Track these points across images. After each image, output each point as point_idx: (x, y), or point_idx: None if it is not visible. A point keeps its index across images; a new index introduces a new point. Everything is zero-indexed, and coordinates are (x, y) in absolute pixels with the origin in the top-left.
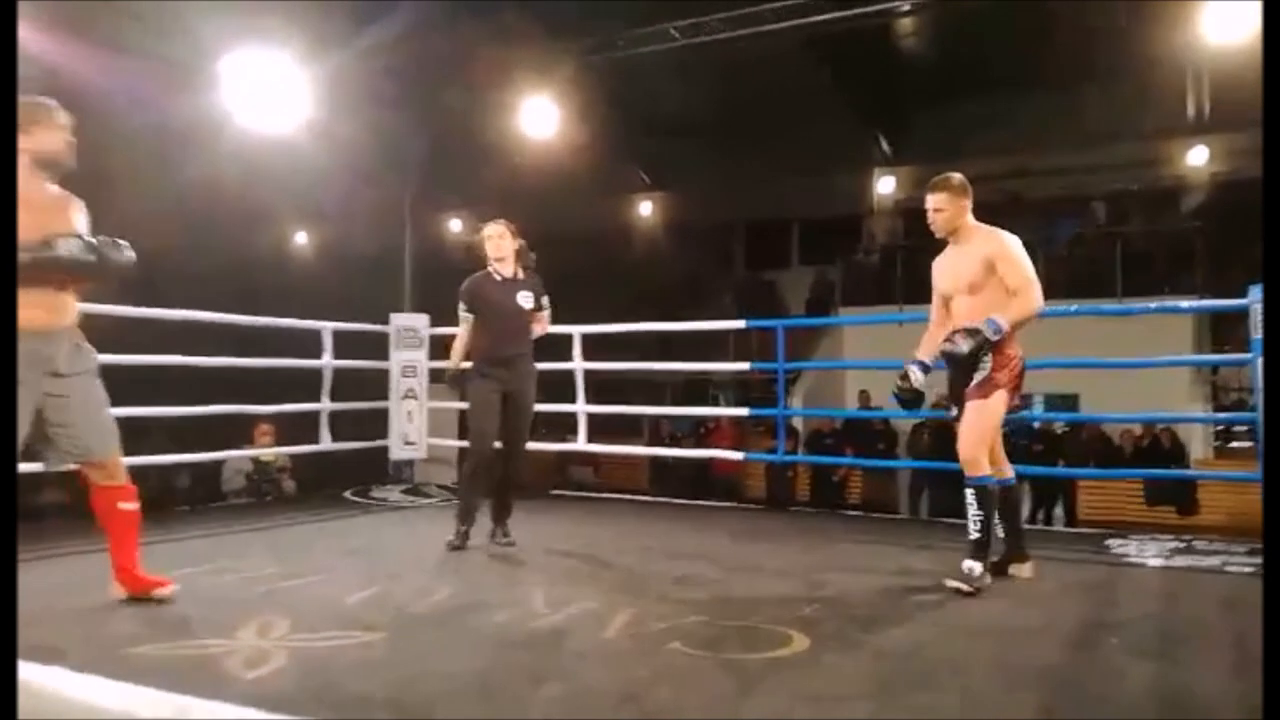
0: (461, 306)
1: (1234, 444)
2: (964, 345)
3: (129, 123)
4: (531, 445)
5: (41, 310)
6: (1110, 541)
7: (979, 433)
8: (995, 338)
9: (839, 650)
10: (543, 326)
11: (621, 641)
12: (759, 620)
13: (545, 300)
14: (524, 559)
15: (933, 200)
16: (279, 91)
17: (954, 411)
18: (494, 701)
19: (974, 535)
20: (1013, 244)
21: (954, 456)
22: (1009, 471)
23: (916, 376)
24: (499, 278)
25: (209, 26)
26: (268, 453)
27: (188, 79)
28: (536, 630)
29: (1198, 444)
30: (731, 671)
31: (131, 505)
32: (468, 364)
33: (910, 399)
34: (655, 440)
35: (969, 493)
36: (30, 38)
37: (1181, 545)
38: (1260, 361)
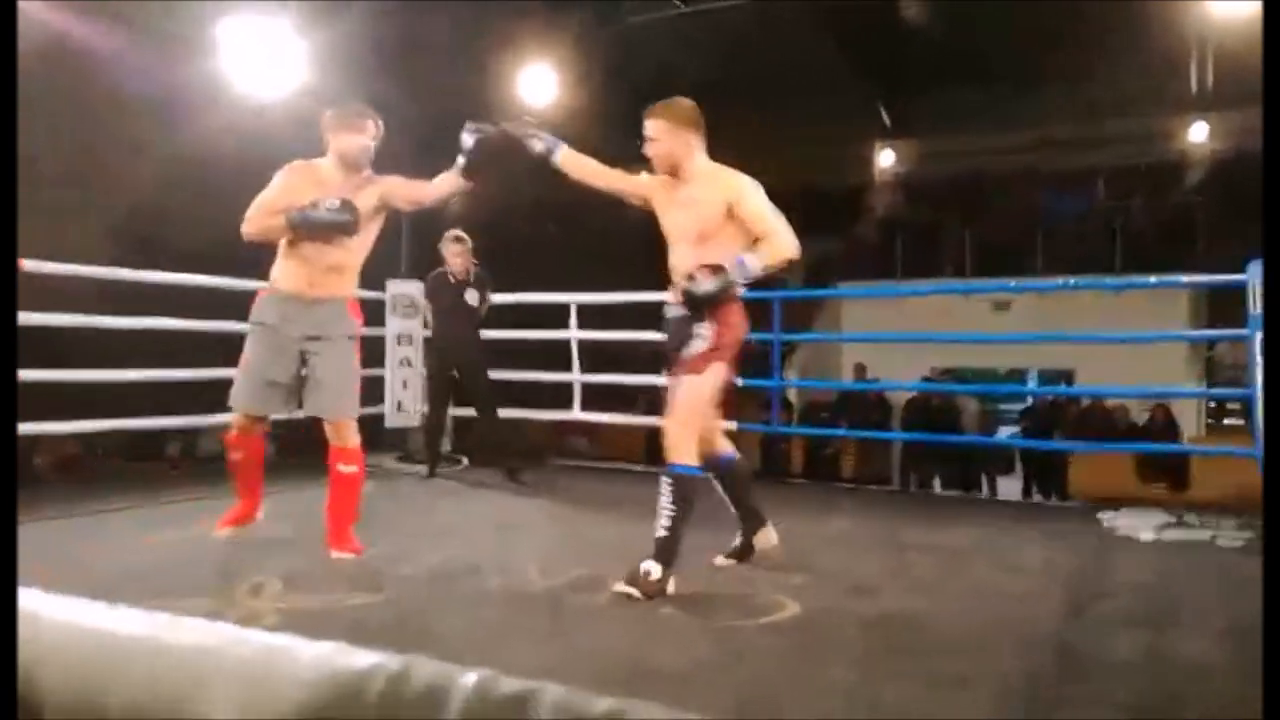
0: (425, 296)
1: (1227, 420)
2: (707, 285)
3: (127, 88)
4: (527, 414)
5: (302, 281)
6: (1101, 514)
7: (690, 413)
8: (742, 282)
9: (830, 617)
10: (483, 310)
11: (615, 607)
12: (752, 587)
13: (488, 294)
14: (519, 526)
15: (649, 128)
16: (275, 57)
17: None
18: (489, 664)
19: (661, 533)
20: (753, 185)
21: (946, 429)
22: (728, 448)
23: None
24: (453, 279)
25: None
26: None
27: (184, 44)
28: (531, 594)
29: (1191, 420)
30: (724, 637)
31: (350, 468)
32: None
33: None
34: (650, 410)
35: (665, 482)
36: (29, 4)
37: (1172, 519)
38: (1259, 337)
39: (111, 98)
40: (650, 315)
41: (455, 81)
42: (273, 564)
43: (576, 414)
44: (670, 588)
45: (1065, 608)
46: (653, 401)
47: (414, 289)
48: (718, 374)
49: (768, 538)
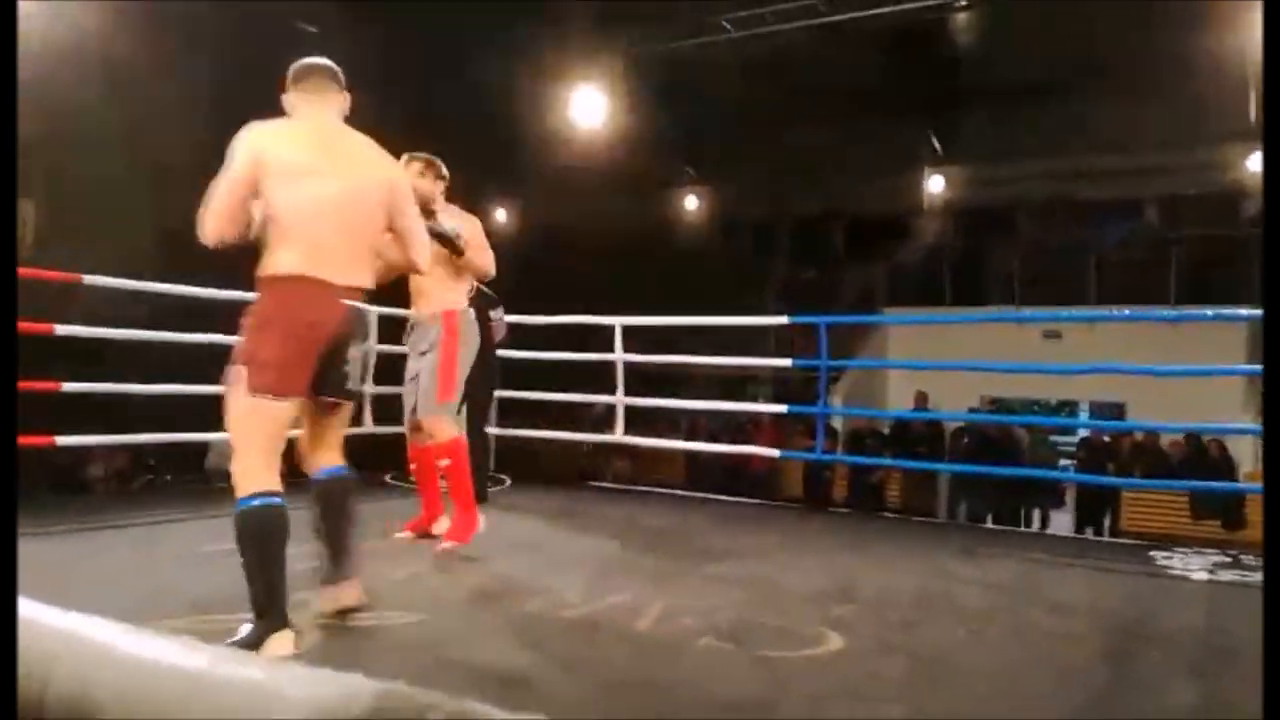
0: None
1: None
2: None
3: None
4: (570, 436)
5: (419, 302)
6: (1154, 553)
7: (234, 439)
8: None
9: (873, 651)
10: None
11: (654, 634)
12: (793, 618)
13: (492, 314)
14: (559, 549)
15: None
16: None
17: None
18: (524, 688)
19: (249, 586)
20: None
21: (995, 460)
22: (333, 461)
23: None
24: None
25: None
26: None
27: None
28: (569, 620)
29: (1247, 457)
30: (764, 668)
31: (443, 461)
32: None
33: None
34: (693, 435)
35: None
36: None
37: (1227, 560)
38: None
39: (161, 113)
40: (701, 338)
41: (501, 100)
42: (310, 581)
43: (619, 437)
44: (291, 647)
45: (1112, 650)
46: (695, 425)
47: None
48: (240, 389)
49: (344, 597)
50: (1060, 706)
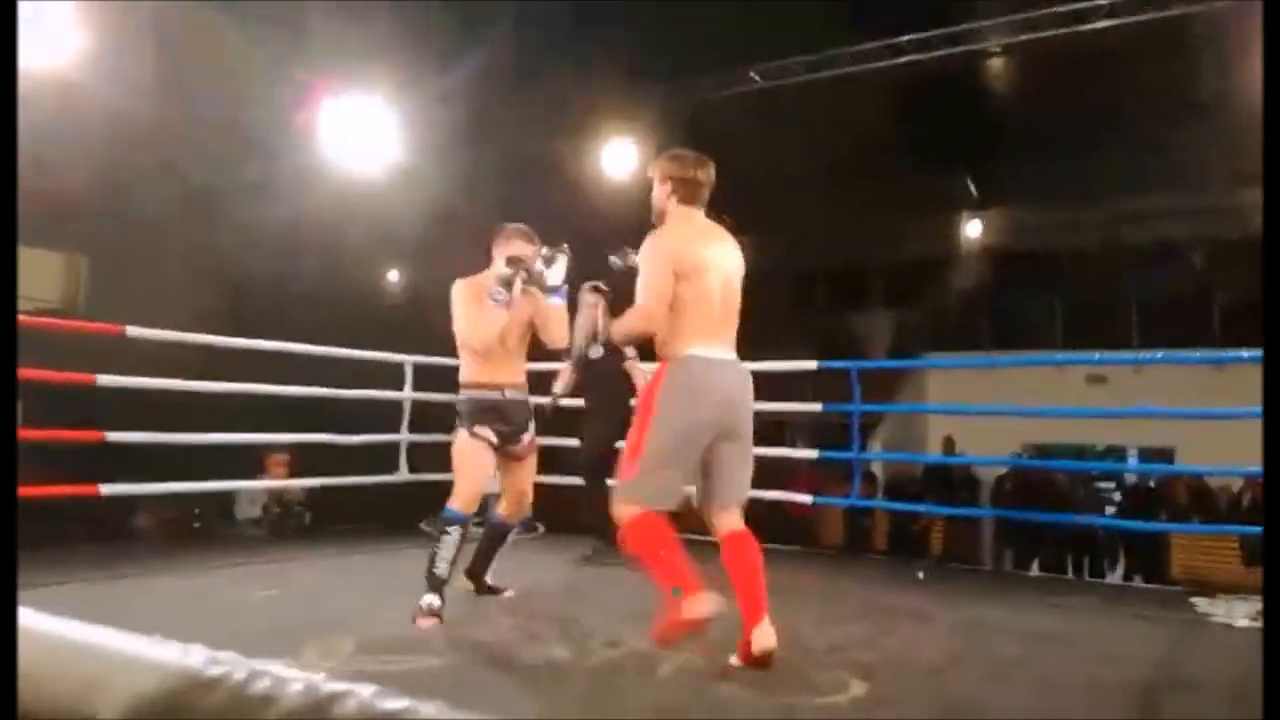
0: None
1: None
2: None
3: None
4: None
5: None
6: (1195, 600)
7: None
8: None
9: (897, 698)
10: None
11: (676, 681)
12: (817, 665)
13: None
14: (586, 597)
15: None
16: (371, 134)
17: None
18: None
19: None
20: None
21: (1039, 506)
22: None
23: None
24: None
25: (308, 72)
26: (294, 484)
27: (287, 122)
28: (592, 666)
29: None
30: (786, 716)
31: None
32: None
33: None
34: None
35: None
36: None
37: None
38: None
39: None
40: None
41: (535, 152)
42: (342, 626)
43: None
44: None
45: (1139, 699)
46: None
47: None
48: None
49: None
50: None
